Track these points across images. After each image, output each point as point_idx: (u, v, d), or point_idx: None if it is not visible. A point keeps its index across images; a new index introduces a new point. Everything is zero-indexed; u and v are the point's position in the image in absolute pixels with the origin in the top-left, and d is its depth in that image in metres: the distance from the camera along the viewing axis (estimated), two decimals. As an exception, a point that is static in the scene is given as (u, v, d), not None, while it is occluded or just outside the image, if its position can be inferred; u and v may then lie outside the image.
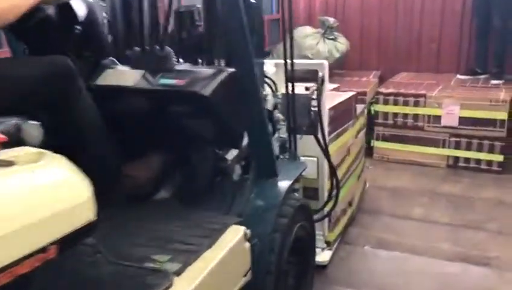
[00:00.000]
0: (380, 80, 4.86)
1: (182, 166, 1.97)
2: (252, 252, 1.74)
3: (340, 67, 5.07)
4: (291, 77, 2.25)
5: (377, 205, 3.37)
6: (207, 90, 1.65)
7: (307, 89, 2.43)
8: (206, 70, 1.80)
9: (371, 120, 4.20)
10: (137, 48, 1.91)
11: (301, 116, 2.39)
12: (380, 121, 4.15)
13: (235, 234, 1.62)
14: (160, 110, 1.77)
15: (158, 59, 1.87)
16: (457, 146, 3.89)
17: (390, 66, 4.99)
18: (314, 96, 2.39)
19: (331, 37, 4.67)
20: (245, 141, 1.99)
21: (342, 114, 2.89)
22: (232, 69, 1.77)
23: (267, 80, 2.38)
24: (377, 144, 4.22)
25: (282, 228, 1.86)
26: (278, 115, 2.19)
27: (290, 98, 2.25)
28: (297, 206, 1.99)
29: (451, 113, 3.81)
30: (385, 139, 4.17)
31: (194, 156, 1.93)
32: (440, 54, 4.84)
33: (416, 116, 3.99)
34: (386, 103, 4.08)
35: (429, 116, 3.93)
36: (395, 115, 4.08)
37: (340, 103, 2.85)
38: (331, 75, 4.80)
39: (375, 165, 4.13)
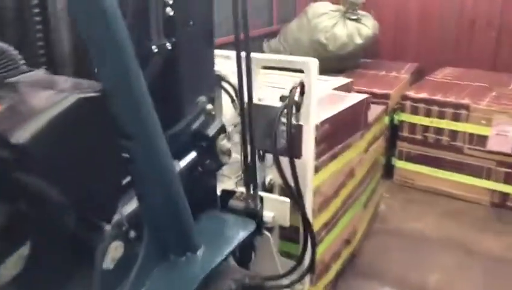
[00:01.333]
0: (416, 75, 4.09)
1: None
2: None
3: (367, 56, 4.34)
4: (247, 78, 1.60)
5: (380, 262, 2.62)
6: (21, 135, 0.94)
7: (282, 99, 1.78)
8: (55, 90, 1.10)
9: (394, 132, 3.49)
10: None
11: (263, 139, 1.77)
12: (404, 134, 3.40)
13: None
14: None
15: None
16: (508, 179, 3.05)
17: (432, 57, 4.16)
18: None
19: (353, 17, 3.91)
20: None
21: (344, 126, 2.24)
22: (93, 91, 1.04)
23: (225, 84, 1.76)
24: (399, 164, 3.48)
25: None
26: (223, 142, 1.55)
27: (245, 113, 1.62)
28: None
29: (503, 134, 3.02)
30: (410, 159, 3.42)
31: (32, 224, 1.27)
32: (500, 46, 3.96)
33: (454, 134, 3.20)
34: (414, 111, 3.32)
35: (472, 135, 3.12)
36: (426, 129, 3.30)
37: (340, 112, 2.17)
38: (354, 66, 4.15)
39: (393, 193, 3.39)
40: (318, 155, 2.06)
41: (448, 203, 3.25)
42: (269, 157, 1.97)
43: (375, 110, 2.86)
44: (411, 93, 3.33)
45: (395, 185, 3.50)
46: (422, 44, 4.26)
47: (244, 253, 1.91)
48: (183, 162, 1.42)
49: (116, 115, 1.09)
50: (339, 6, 3.93)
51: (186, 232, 1.33)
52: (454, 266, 2.61)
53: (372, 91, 3.41)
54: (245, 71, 1.53)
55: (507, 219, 3.06)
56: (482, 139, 3.10)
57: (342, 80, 2.73)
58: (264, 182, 2.01)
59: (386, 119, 3.38)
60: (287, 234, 2.11)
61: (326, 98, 2.36)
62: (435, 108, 3.22)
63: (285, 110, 1.73)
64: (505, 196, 3.14)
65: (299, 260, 1.84)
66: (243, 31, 1.48)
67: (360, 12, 3.90)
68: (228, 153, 1.54)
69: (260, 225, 1.81)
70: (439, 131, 3.25)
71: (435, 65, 4.10)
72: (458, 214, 3.11)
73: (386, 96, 3.37)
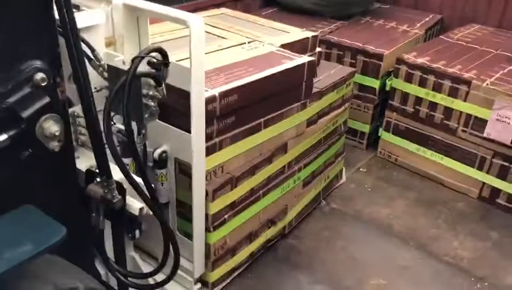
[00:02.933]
0: (437, 31, 3.55)
1: None
2: None
3: (384, 1, 3.80)
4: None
5: (317, 251, 2.34)
6: None
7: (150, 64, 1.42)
8: None
9: (385, 100, 3.04)
10: None
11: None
12: (395, 104, 2.94)
13: None
14: None
15: None
16: (503, 173, 2.61)
17: (460, 9, 3.58)
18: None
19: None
20: None
21: (269, 96, 1.90)
22: None
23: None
24: (384, 135, 3.06)
25: None
26: (48, 125, 1.25)
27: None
28: None
29: (504, 120, 2.52)
30: (397, 132, 2.99)
31: None
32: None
33: (448, 112, 2.72)
34: (409, 79, 2.83)
35: (469, 116, 2.64)
36: (419, 101, 2.83)
37: (258, 80, 1.81)
38: (363, 13, 3.57)
39: (371, 168, 3.03)
40: (223, 130, 1.76)
41: (430, 189, 2.87)
42: (155, 126, 1.68)
43: (341, 72, 2.46)
44: (407, 57, 2.83)
45: (377, 159, 3.13)
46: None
47: (121, 232, 1.70)
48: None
49: None
50: None
51: None
52: (402, 271, 2.30)
53: (365, 48, 2.96)
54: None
55: (491, 219, 2.65)
56: (480, 124, 2.63)
57: (300, 34, 2.30)
58: (152, 156, 1.74)
59: (374, 83, 2.96)
60: (186, 213, 1.88)
61: (260, 59, 1.98)
62: (432, 78, 2.74)
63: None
64: (496, 191, 2.70)
65: (162, 261, 1.60)
66: None
67: None
68: (56, 137, 1.25)
69: (123, 220, 1.56)
70: (433, 106, 2.79)
71: (462, 19, 3.52)
72: (436, 204, 2.74)
73: (378, 57, 2.91)
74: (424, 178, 2.94)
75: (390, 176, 2.97)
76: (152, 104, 1.43)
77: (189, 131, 1.60)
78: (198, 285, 1.99)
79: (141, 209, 1.56)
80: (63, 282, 1.26)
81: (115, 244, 1.71)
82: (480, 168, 2.71)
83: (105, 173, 1.43)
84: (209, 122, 1.63)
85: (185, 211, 1.88)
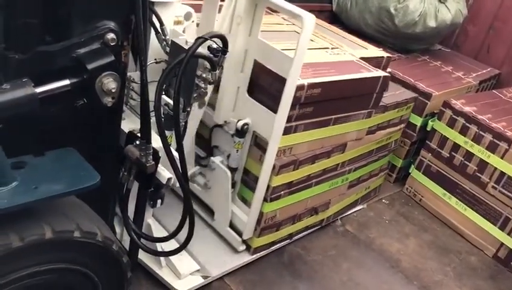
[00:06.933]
0: (490, 85, 3.56)
1: None
2: None
3: (447, 44, 3.83)
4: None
5: (324, 268, 2.40)
6: None
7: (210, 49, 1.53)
8: None
9: (423, 139, 3.06)
10: None
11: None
12: (432, 145, 2.97)
13: None
14: None
15: None
16: (524, 238, 2.64)
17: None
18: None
19: (440, -5, 3.37)
20: None
21: (344, 98, 2.17)
22: None
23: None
24: (414, 173, 3.09)
25: None
26: (107, 81, 1.35)
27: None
28: None
29: (536, 186, 2.52)
30: (428, 173, 3.01)
31: None
32: None
33: (483, 165, 2.73)
34: (451, 124, 2.86)
35: (502, 174, 2.64)
36: (456, 147, 2.85)
37: (340, 81, 2.06)
38: (422, 51, 3.62)
39: (393, 202, 3.06)
40: (300, 117, 2.02)
41: (447, 235, 2.88)
42: (245, 100, 1.81)
43: (405, 95, 2.72)
44: (454, 102, 2.85)
45: (401, 194, 3.16)
46: (514, 51, 3.62)
47: (145, 196, 1.80)
48: (48, 87, 1.28)
49: None
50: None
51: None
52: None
53: (416, 85, 3.00)
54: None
55: (501, 281, 2.65)
56: (512, 183, 2.62)
57: (377, 52, 2.48)
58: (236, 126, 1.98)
59: (417, 120, 3.00)
60: (248, 181, 2.16)
61: (342, 64, 2.23)
62: (474, 128, 2.75)
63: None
64: (512, 254, 2.68)
65: (174, 233, 1.70)
66: None
67: (451, -9, 3.34)
68: (111, 94, 1.36)
69: (151, 185, 1.66)
70: (469, 156, 2.80)
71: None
72: (449, 252, 2.75)
73: (426, 96, 2.94)
74: (443, 224, 2.95)
75: (410, 214, 2.99)
76: (202, 85, 1.53)
77: (274, 111, 1.82)
78: (244, 246, 2.24)
79: (169, 179, 1.66)
80: (85, 225, 1.37)
81: (137, 207, 1.83)
82: (502, 228, 2.71)
83: (146, 138, 1.53)
84: (292, 107, 1.88)
85: (248, 179, 2.16)
